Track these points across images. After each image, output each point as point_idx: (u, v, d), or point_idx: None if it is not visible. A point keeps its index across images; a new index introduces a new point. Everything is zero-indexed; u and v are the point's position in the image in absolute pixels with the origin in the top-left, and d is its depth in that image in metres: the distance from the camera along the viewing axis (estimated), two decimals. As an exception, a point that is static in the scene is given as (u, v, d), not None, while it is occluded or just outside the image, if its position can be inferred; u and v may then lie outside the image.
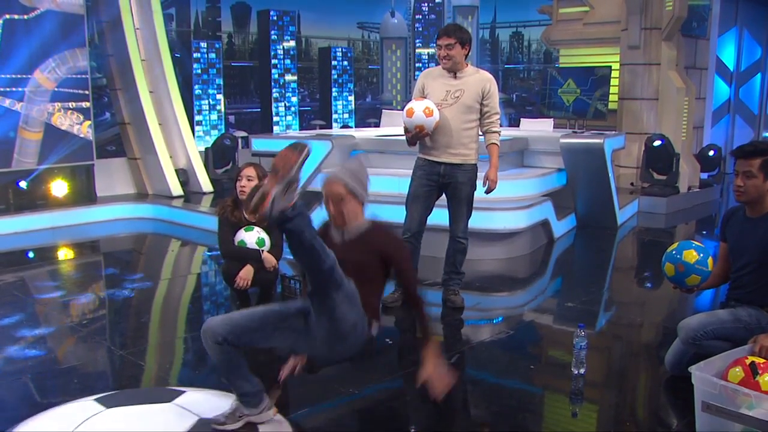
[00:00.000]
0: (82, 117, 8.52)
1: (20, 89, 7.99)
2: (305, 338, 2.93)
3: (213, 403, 3.09)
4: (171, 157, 9.19)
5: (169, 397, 3.13)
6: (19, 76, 7.97)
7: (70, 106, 8.42)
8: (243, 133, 10.71)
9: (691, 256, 3.40)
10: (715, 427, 2.80)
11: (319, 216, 6.48)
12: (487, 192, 4.74)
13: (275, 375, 3.10)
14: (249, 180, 4.49)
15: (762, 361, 2.88)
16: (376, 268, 3.05)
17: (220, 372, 2.99)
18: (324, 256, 2.65)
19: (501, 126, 4.85)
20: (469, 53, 4.69)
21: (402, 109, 4.88)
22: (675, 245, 3.50)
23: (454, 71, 4.65)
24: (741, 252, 3.48)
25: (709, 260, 3.42)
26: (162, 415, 2.90)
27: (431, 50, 12.71)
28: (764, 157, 3.32)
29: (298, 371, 3.08)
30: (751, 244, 3.42)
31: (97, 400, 3.09)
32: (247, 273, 4.46)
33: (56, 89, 8.29)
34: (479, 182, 4.74)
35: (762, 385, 2.77)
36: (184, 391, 3.18)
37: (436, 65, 4.79)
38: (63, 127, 8.37)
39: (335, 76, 12.95)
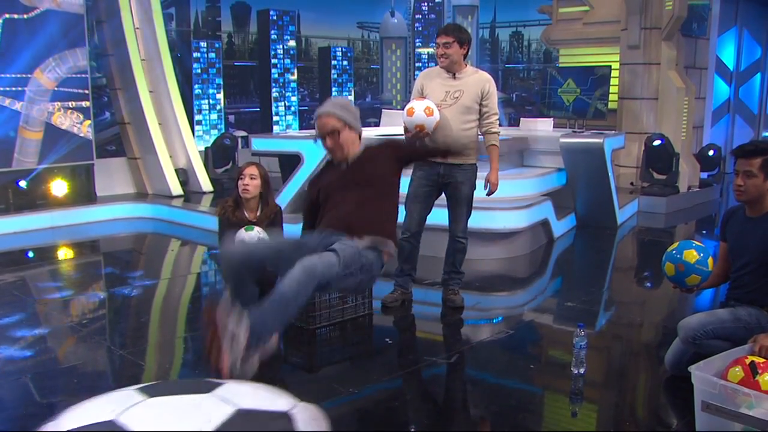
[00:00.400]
0: (82, 116, 8.52)
1: (20, 89, 7.99)
2: None
3: (252, 394, 3.09)
4: (171, 156, 9.19)
5: (209, 388, 3.12)
6: (19, 75, 7.97)
7: (70, 106, 8.42)
8: (243, 133, 10.70)
9: (691, 255, 3.40)
10: (715, 427, 2.80)
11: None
12: (489, 194, 4.75)
13: (275, 374, 3.09)
14: (252, 178, 4.49)
15: (762, 360, 2.88)
16: (384, 176, 3.15)
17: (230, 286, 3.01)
18: (308, 289, 2.77)
19: (500, 126, 4.86)
20: (468, 53, 4.69)
21: (402, 109, 4.88)
22: (675, 245, 3.50)
23: (453, 71, 4.65)
24: (741, 252, 3.48)
25: (710, 260, 3.42)
26: (202, 404, 2.88)
27: (431, 50, 12.71)
28: (764, 157, 3.32)
29: None
30: (751, 244, 3.42)
31: (138, 389, 3.13)
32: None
33: (56, 89, 8.29)
34: (479, 182, 4.74)
35: (762, 385, 2.77)
36: (223, 383, 3.22)
37: (435, 65, 4.79)
38: (63, 127, 8.37)
39: (335, 76, 12.96)
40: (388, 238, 3.09)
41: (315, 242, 3.05)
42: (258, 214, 4.55)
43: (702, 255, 3.41)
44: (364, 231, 3.10)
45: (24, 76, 8.00)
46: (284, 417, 2.87)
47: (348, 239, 3.04)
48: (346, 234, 3.08)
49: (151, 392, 3.00)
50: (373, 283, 3.17)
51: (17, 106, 7.99)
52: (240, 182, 4.51)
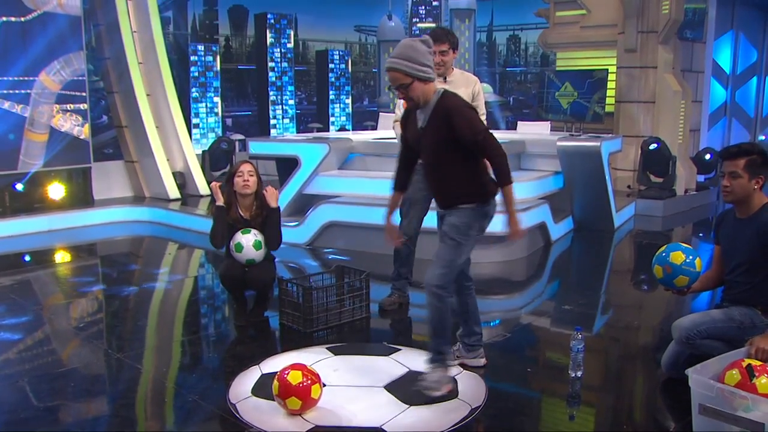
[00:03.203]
0: (81, 119, 8.52)
1: (25, 92, 7.99)
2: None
3: (423, 360, 3.60)
4: (168, 160, 9.19)
5: (389, 352, 3.95)
6: (22, 78, 7.97)
7: (69, 108, 8.43)
8: (240, 136, 10.71)
9: (678, 257, 3.43)
10: (712, 429, 2.80)
11: (317, 219, 6.45)
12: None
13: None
14: (251, 175, 4.49)
15: (758, 363, 2.89)
16: (451, 138, 3.22)
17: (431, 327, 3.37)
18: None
19: (497, 129, 4.88)
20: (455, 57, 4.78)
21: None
22: (664, 247, 3.55)
23: (443, 76, 4.69)
24: (732, 253, 3.51)
25: (697, 261, 3.44)
26: (379, 364, 3.58)
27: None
28: (748, 157, 3.36)
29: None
30: (742, 245, 3.44)
31: (328, 348, 3.99)
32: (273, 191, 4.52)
33: (59, 92, 8.30)
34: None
35: (759, 388, 2.78)
36: (399, 349, 4.01)
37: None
38: (63, 129, 8.38)
39: (332, 79, 12.96)
40: (479, 194, 3.36)
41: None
42: (253, 212, 4.54)
43: (689, 256, 3.43)
44: (451, 200, 3.42)
45: (27, 79, 8.01)
46: (450, 381, 3.51)
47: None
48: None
49: (337, 351, 3.92)
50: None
51: (17, 108, 7.99)
52: (238, 179, 4.48)
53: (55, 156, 8.31)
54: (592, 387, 3.70)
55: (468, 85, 4.68)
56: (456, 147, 3.23)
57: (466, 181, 3.34)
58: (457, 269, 3.44)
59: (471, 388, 3.51)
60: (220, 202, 4.47)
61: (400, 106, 4.78)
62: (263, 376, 3.61)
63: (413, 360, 3.77)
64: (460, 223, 3.31)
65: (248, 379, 3.61)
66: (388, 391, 3.42)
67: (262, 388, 3.45)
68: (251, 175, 4.49)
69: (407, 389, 3.42)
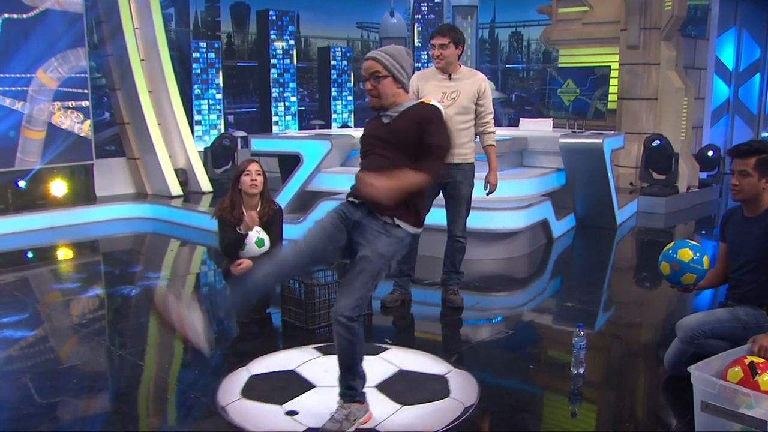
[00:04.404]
0: (82, 116, 8.52)
1: (23, 88, 7.99)
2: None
3: (412, 359, 3.74)
4: (170, 156, 9.19)
5: (377, 351, 3.88)
6: (21, 75, 7.97)
7: (70, 106, 8.43)
8: (242, 133, 10.70)
9: (686, 254, 3.42)
10: (715, 427, 2.80)
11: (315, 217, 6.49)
12: (489, 194, 4.75)
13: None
14: (258, 174, 4.48)
15: (761, 360, 2.88)
16: (413, 145, 2.98)
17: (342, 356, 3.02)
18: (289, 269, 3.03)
19: (500, 126, 4.86)
20: (462, 54, 4.71)
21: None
22: (671, 244, 3.53)
23: (448, 72, 4.66)
24: (739, 251, 3.49)
25: (705, 259, 3.43)
26: (369, 364, 3.31)
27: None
28: (759, 156, 3.34)
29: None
30: (749, 244, 3.42)
31: (316, 347, 3.94)
32: (248, 265, 4.42)
33: (57, 88, 8.29)
34: (479, 183, 4.74)
35: (761, 385, 2.77)
36: (388, 348, 3.98)
37: (432, 65, 4.79)
38: (63, 127, 8.38)
39: (334, 76, 12.95)
40: (414, 213, 3.05)
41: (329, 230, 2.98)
42: (257, 211, 4.54)
43: (697, 254, 3.42)
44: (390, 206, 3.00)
45: (26, 75, 8.01)
46: (439, 379, 3.49)
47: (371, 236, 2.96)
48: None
49: (326, 351, 3.81)
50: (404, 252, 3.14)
51: (17, 105, 7.99)
52: (246, 178, 4.48)
53: (56, 153, 8.31)
54: (594, 384, 3.69)
55: (473, 83, 4.64)
56: (415, 153, 2.98)
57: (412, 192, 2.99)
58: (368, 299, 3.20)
59: (462, 386, 3.49)
60: (245, 231, 4.43)
61: (412, 93, 4.75)
62: (252, 377, 3.58)
63: (403, 359, 3.78)
64: (386, 252, 2.96)
65: (236, 381, 3.55)
66: (380, 390, 3.39)
67: (252, 390, 3.41)
68: (258, 174, 4.49)
69: (399, 389, 3.41)
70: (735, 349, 3.11)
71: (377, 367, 3.60)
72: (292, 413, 3.18)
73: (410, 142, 2.99)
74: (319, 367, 3.66)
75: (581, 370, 3.62)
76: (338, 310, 2.89)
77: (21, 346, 4.23)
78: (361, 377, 3.05)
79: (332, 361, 3.44)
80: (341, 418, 2.97)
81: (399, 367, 3.66)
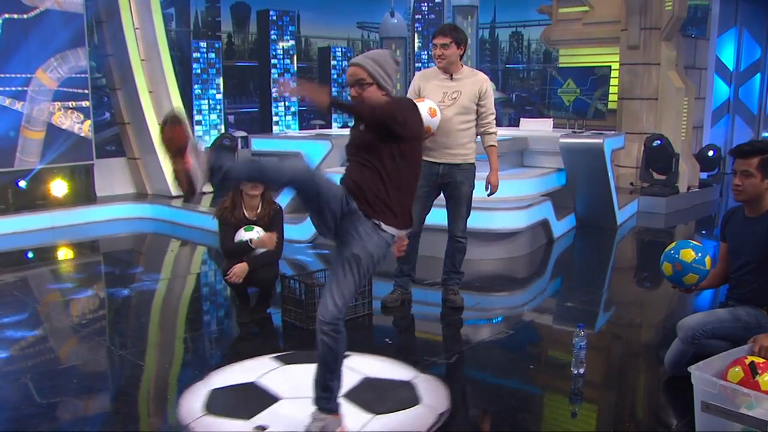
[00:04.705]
0: (82, 116, 8.52)
1: (22, 89, 7.99)
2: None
3: (376, 365, 3.61)
4: (171, 157, 9.17)
5: None
6: (20, 75, 7.97)
7: (70, 106, 8.42)
8: (242, 133, 10.70)
9: (688, 255, 3.41)
10: (715, 427, 2.80)
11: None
12: (489, 195, 4.75)
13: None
14: None
15: (761, 360, 2.88)
16: (372, 139, 2.91)
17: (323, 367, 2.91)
18: (276, 174, 2.72)
19: (500, 126, 4.85)
20: (464, 54, 4.70)
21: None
22: (673, 244, 3.51)
23: (450, 72, 4.65)
24: (740, 252, 3.49)
25: (707, 259, 3.42)
26: None
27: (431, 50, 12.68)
28: (762, 156, 3.33)
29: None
30: (750, 244, 3.42)
31: (275, 357, 3.77)
32: (240, 269, 4.44)
33: (57, 88, 8.29)
34: (479, 183, 4.74)
35: (761, 385, 2.77)
36: (350, 355, 3.63)
37: (434, 65, 4.79)
38: (63, 127, 8.37)
39: (335, 76, 12.95)
40: (389, 209, 2.87)
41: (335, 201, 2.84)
42: (258, 212, 4.55)
43: (699, 254, 3.41)
44: (365, 197, 2.87)
45: (25, 75, 8.00)
46: (407, 385, 3.38)
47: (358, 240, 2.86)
48: (353, 196, 2.86)
49: (287, 360, 3.67)
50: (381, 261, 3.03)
51: (18, 105, 7.99)
52: None
53: (57, 153, 8.31)
54: (595, 384, 3.69)
55: (475, 84, 4.63)
56: (391, 152, 2.90)
57: (391, 186, 2.90)
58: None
59: (432, 392, 3.40)
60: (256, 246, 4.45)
61: (414, 92, 4.76)
62: (213, 391, 3.42)
63: (366, 365, 3.64)
64: (375, 253, 2.86)
65: (196, 396, 3.39)
66: (349, 400, 3.24)
67: (215, 405, 3.29)
68: None
69: (368, 397, 3.29)
70: (735, 349, 3.11)
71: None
72: (261, 428, 3.06)
73: (370, 137, 2.94)
74: (280, 377, 3.52)
75: (582, 371, 3.62)
76: (326, 313, 2.81)
77: (21, 346, 4.23)
78: (339, 379, 2.95)
79: (293, 370, 3.51)
80: (316, 431, 2.88)
81: (364, 374, 3.51)
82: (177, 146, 2.66)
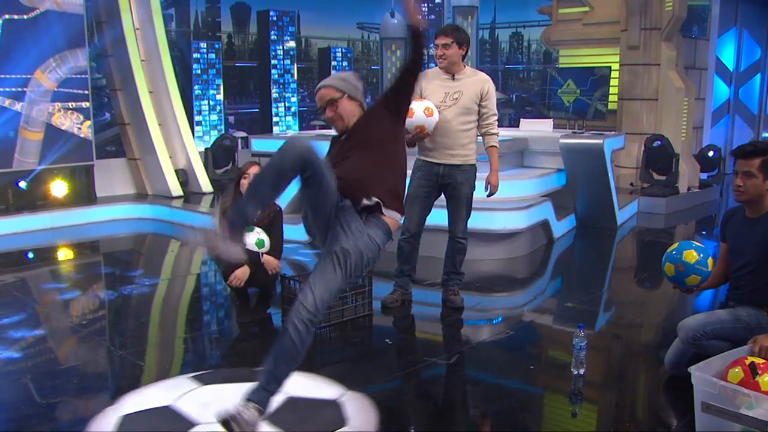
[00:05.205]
0: (82, 117, 8.52)
1: (21, 89, 7.99)
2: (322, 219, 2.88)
3: (301, 382, 3.30)
4: (171, 157, 9.19)
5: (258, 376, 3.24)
6: (19, 76, 7.97)
7: (70, 106, 8.42)
8: (243, 134, 10.71)
9: (691, 256, 3.40)
10: (715, 428, 2.80)
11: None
12: (489, 196, 4.75)
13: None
14: None
15: (761, 361, 2.88)
16: (382, 133, 3.02)
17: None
18: (278, 161, 2.65)
19: (500, 126, 4.85)
20: (467, 54, 4.70)
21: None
22: (675, 245, 3.50)
23: (451, 72, 4.65)
24: (741, 252, 3.49)
25: (709, 260, 3.42)
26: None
27: (431, 50, 12.69)
28: (764, 157, 3.32)
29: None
30: (751, 245, 3.42)
31: (193, 377, 3.48)
32: (242, 273, 4.47)
33: (56, 89, 8.29)
34: (479, 183, 4.74)
35: (762, 386, 2.77)
36: None
37: (436, 66, 4.79)
38: (63, 127, 8.37)
39: (335, 77, 12.95)
40: (390, 193, 2.93)
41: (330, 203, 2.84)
42: (258, 213, 4.55)
43: (702, 255, 3.40)
44: (365, 189, 2.89)
45: (24, 76, 8.00)
46: (333, 404, 3.16)
47: (350, 233, 2.85)
48: (348, 193, 2.87)
49: (204, 380, 3.39)
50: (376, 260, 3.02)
51: (17, 106, 7.99)
52: (244, 181, 4.51)
53: (57, 154, 8.31)
54: (595, 384, 3.69)
55: (477, 84, 4.63)
56: (395, 133, 3.04)
57: (385, 173, 2.97)
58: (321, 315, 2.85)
59: (359, 412, 3.20)
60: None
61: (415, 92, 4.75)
62: (125, 417, 3.13)
63: (290, 383, 3.11)
64: (366, 254, 2.84)
65: (107, 422, 3.10)
66: (272, 423, 2.97)
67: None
68: None
69: (292, 419, 3.05)
70: (735, 349, 3.11)
71: None
72: None
73: (377, 127, 3.02)
74: (197, 399, 3.22)
75: (582, 371, 3.62)
76: (307, 301, 2.71)
77: (21, 346, 4.22)
78: (281, 385, 2.79)
79: (211, 391, 3.22)
80: (249, 420, 2.64)
81: (288, 393, 3.15)
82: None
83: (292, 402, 3.13)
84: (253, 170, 4.52)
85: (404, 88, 3.11)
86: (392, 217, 2.94)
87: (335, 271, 2.80)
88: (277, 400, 2.93)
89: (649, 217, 8.56)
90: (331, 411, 3.17)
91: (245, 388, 2.78)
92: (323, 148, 6.56)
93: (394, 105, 3.11)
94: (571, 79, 9.93)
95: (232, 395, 2.89)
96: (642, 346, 4.47)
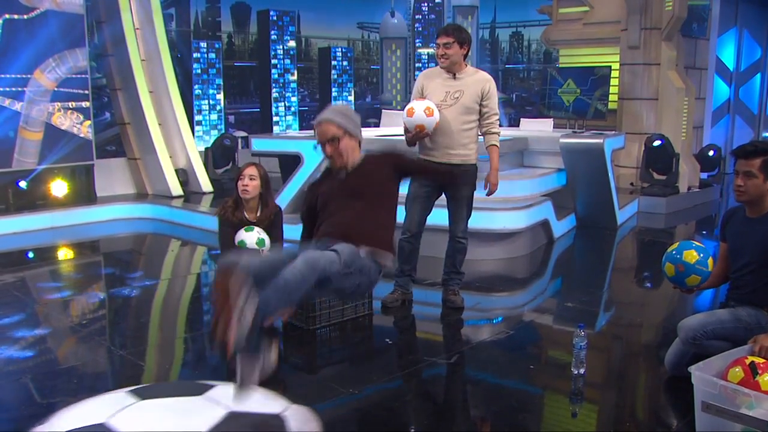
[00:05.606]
0: (82, 117, 8.52)
1: (20, 89, 7.99)
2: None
3: (242, 397, 3.06)
4: (171, 157, 9.19)
5: (201, 390, 3.15)
6: (19, 76, 7.97)
7: (70, 106, 8.42)
8: (243, 133, 10.71)
9: (691, 256, 3.40)
10: (715, 427, 2.80)
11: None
12: (488, 194, 4.75)
13: (275, 374, 3.10)
14: (251, 179, 4.50)
15: (762, 361, 2.88)
16: (384, 183, 3.07)
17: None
18: (310, 280, 2.71)
19: (500, 126, 4.85)
20: (468, 54, 4.69)
21: (402, 110, 4.88)
22: (675, 245, 3.50)
23: (453, 72, 4.65)
24: (741, 252, 3.48)
25: (709, 260, 3.42)
26: (193, 407, 2.93)
27: (431, 50, 12.71)
28: (764, 157, 3.32)
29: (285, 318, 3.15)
30: (751, 245, 3.42)
31: (130, 392, 3.14)
32: None
33: (56, 89, 8.29)
34: (479, 183, 4.74)
35: (762, 385, 2.77)
36: (214, 385, 3.20)
37: (436, 65, 4.79)
38: (63, 127, 8.37)
39: (335, 76, 12.95)
40: (385, 248, 3.04)
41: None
42: (258, 214, 4.56)
43: (702, 255, 3.40)
44: (361, 241, 3.03)
45: (24, 76, 8.00)
46: (276, 419, 2.95)
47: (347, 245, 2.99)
48: (344, 243, 3.01)
49: (143, 394, 3.07)
50: (372, 288, 3.09)
51: (17, 106, 7.99)
52: (239, 183, 4.52)
53: (56, 153, 8.31)
54: (595, 384, 3.69)
55: (478, 83, 4.62)
56: (390, 189, 3.12)
57: (381, 228, 3.09)
58: (317, 273, 2.90)
59: (303, 426, 3.04)
60: None
61: (417, 91, 4.76)
62: None
63: (231, 397, 3.08)
64: (355, 253, 2.96)
65: None
66: None
67: None
68: (251, 179, 4.49)
69: None
70: (736, 349, 3.11)
71: (203, 409, 2.95)
72: None
73: (381, 182, 3.08)
74: (134, 416, 2.98)
75: (582, 371, 3.61)
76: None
77: (21, 346, 4.22)
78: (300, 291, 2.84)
79: (149, 407, 2.98)
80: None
81: (228, 408, 3.00)
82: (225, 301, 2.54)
83: (234, 417, 2.94)
84: (249, 171, 4.52)
85: (415, 174, 3.29)
86: (385, 260, 3.11)
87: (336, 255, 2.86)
88: (216, 416, 2.84)
89: (650, 216, 8.56)
90: (275, 426, 3.01)
91: (185, 402, 2.75)
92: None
93: (402, 172, 3.22)
94: (572, 78, 9.93)
95: (171, 409, 2.83)
96: (642, 346, 4.47)
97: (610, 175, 7.42)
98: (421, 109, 4.45)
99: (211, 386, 3.18)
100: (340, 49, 13.05)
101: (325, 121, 3.12)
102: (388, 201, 3.07)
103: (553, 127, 8.94)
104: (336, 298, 3.17)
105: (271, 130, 11.66)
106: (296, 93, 12.17)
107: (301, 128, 12.13)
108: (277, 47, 11.81)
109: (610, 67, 9.78)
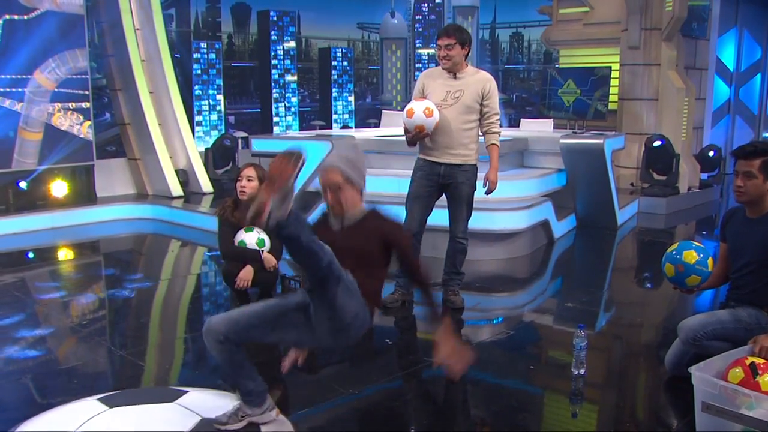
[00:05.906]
0: (82, 117, 8.52)
1: (20, 90, 7.98)
2: (307, 331, 2.89)
3: (215, 403, 3.09)
4: (171, 157, 9.19)
5: (172, 396, 3.11)
6: (19, 76, 7.97)
7: (70, 107, 8.42)
8: (243, 134, 10.70)
9: (691, 256, 3.40)
10: (715, 428, 2.80)
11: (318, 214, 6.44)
12: (487, 193, 4.75)
13: (275, 374, 3.09)
14: (249, 180, 4.50)
15: (762, 361, 2.88)
16: (376, 253, 3.01)
17: (224, 371, 2.97)
18: (321, 254, 2.62)
19: (501, 126, 4.85)
20: (469, 54, 4.69)
21: (402, 110, 4.88)
22: (675, 245, 3.50)
23: (453, 72, 4.65)
24: (741, 252, 3.48)
25: (709, 261, 3.42)
26: (165, 414, 2.90)
27: (431, 50, 12.72)
28: (764, 158, 3.31)
29: (300, 362, 3.11)
30: (751, 245, 3.41)
31: (100, 399, 3.09)
32: (247, 273, 4.47)
33: (56, 89, 8.29)
34: (479, 183, 4.74)
35: (762, 386, 2.77)
36: (186, 391, 3.17)
37: (436, 65, 4.79)
38: (63, 128, 8.37)
39: (335, 77, 12.95)
40: (373, 303, 3.03)
41: (297, 301, 2.97)
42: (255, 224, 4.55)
43: (701, 256, 3.40)
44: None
45: (24, 76, 8.00)
46: (250, 426, 2.91)
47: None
48: None
49: (113, 402, 3.02)
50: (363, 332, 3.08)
51: (17, 106, 7.99)
52: (238, 184, 4.52)
53: (57, 154, 8.30)
54: (595, 385, 3.69)
55: (479, 83, 4.62)
56: (380, 260, 3.07)
57: (369, 286, 3.02)
58: None
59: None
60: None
61: (418, 90, 4.76)
62: None
63: (204, 404, 3.07)
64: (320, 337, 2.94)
65: None
66: None
67: None
68: (249, 180, 4.50)
69: None
70: (736, 349, 3.11)
71: (175, 417, 2.92)
72: None
73: (371, 251, 3.02)
74: (105, 424, 2.87)
75: (582, 371, 3.61)
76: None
77: (21, 346, 4.22)
78: (250, 378, 2.94)
79: (119, 415, 2.94)
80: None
81: (200, 415, 2.93)
82: (277, 182, 2.48)
83: (207, 425, 2.90)
84: (247, 173, 4.53)
85: (402, 264, 3.17)
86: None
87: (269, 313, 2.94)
88: (189, 424, 2.86)
89: (650, 217, 8.56)
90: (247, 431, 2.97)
91: (156, 409, 2.75)
92: (323, 149, 6.44)
93: (389, 251, 3.10)
94: (572, 79, 9.93)
95: (141, 417, 2.83)
96: (642, 346, 4.47)
97: (610, 175, 7.42)
98: (421, 110, 4.45)
99: (184, 392, 3.16)
100: (340, 50, 13.05)
101: (330, 167, 3.07)
102: (378, 271, 3.04)
103: (554, 128, 8.94)
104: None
105: (272, 131, 11.66)
106: (296, 93, 12.17)
107: (301, 128, 12.13)
108: (277, 47, 11.82)
109: (610, 67, 9.79)
